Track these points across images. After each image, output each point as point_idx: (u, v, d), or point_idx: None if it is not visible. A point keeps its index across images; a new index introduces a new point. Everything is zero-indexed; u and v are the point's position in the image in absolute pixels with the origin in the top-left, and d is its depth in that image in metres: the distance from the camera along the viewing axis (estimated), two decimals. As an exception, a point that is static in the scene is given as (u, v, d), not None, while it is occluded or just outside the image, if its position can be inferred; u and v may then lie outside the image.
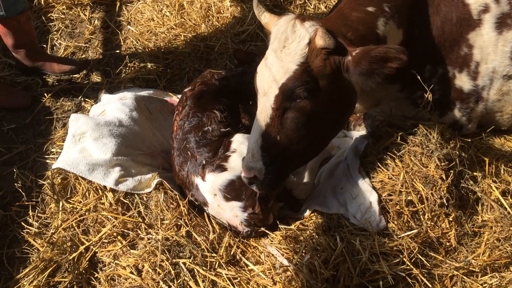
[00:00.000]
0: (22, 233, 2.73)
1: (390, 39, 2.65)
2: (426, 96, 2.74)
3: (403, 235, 2.55)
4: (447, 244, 2.61)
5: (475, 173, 2.77)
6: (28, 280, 2.50)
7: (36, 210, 2.82)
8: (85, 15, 4.36)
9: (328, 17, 2.66)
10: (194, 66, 3.84)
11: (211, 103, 2.86)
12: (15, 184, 2.78)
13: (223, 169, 2.60)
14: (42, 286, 2.46)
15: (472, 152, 2.94)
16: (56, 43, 4.14)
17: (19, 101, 3.60)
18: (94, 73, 3.85)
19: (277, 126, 2.35)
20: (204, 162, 2.65)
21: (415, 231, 2.54)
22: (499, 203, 2.71)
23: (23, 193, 2.80)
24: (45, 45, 4.10)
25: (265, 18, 2.55)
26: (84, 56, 4.03)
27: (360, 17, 2.59)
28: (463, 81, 2.86)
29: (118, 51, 4.02)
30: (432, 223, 2.61)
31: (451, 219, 2.61)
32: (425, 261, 2.50)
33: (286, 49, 2.32)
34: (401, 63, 2.22)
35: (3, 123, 3.48)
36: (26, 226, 2.75)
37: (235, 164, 2.61)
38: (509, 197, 2.76)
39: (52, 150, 3.23)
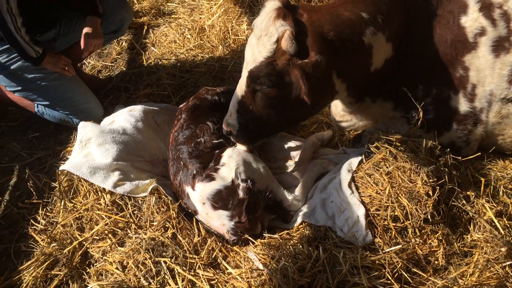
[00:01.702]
0: (30, 229, 2.95)
1: (377, 49, 2.71)
2: (418, 113, 2.76)
3: (387, 250, 2.53)
4: (435, 262, 2.56)
5: (468, 193, 2.72)
6: (29, 272, 2.69)
7: (45, 209, 3.04)
8: (115, 38, 4.71)
9: (321, 7, 2.74)
10: (208, 84, 4.03)
11: (205, 116, 3.02)
12: (28, 184, 3.02)
13: (211, 178, 2.71)
14: (40, 277, 2.65)
15: (469, 172, 2.91)
16: (86, 62, 4.49)
17: (99, 84, 4.15)
18: (115, 89, 4.14)
19: (250, 99, 2.70)
20: (195, 172, 2.77)
21: (399, 246, 2.52)
22: (492, 224, 2.64)
23: (35, 193, 3.04)
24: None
25: None
26: (108, 73, 4.34)
27: (351, 19, 2.64)
28: (459, 103, 2.85)
29: (140, 69, 4.29)
30: (421, 240, 2.58)
31: (439, 237, 2.56)
32: (409, 278, 2.46)
33: (261, 39, 2.56)
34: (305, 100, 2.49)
35: (28, 131, 3.81)
36: (34, 223, 2.97)
37: (224, 175, 2.72)
38: (505, 219, 2.68)
39: (68, 156, 3.46)
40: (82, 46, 3.43)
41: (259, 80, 2.57)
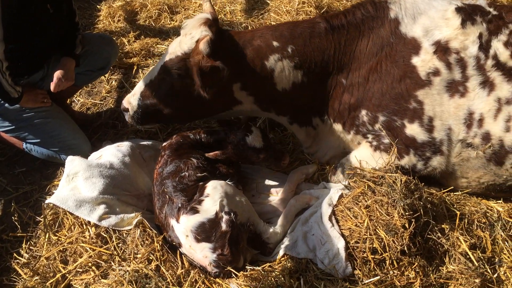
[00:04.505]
0: (13, 263, 2.95)
1: (279, 74, 3.11)
2: (392, 148, 2.92)
3: (366, 281, 2.60)
4: (413, 294, 2.63)
5: (443, 226, 2.83)
6: (10, 306, 2.69)
7: (29, 243, 3.05)
8: (105, 77, 4.85)
9: (247, 32, 3.22)
10: (195, 123, 4.15)
11: (188, 152, 3.11)
12: (12, 217, 3.04)
13: (195, 211, 2.77)
14: (21, 311, 2.65)
15: (444, 206, 3.02)
16: (75, 100, 4.60)
17: (87, 120, 4.30)
18: (103, 126, 4.23)
19: (156, 85, 3.15)
20: (180, 205, 2.83)
21: (378, 278, 2.60)
22: (467, 256, 2.73)
23: (19, 227, 3.06)
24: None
25: (206, 6, 3.21)
26: (97, 111, 4.45)
27: (260, 46, 3.07)
28: (415, 131, 3.00)
29: (128, 107, 4.40)
30: (399, 272, 2.65)
31: (416, 269, 2.64)
32: (387, 309, 2.53)
33: (185, 37, 3.03)
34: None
35: (15, 166, 3.85)
36: (17, 256, 2.97)
37: (207, 208, 2.78)
38: (478, 252, 2.78)
39: (54, 191, 3.50)
40: (51, 88, 3.50)
41: (171, 71, 3.00)
